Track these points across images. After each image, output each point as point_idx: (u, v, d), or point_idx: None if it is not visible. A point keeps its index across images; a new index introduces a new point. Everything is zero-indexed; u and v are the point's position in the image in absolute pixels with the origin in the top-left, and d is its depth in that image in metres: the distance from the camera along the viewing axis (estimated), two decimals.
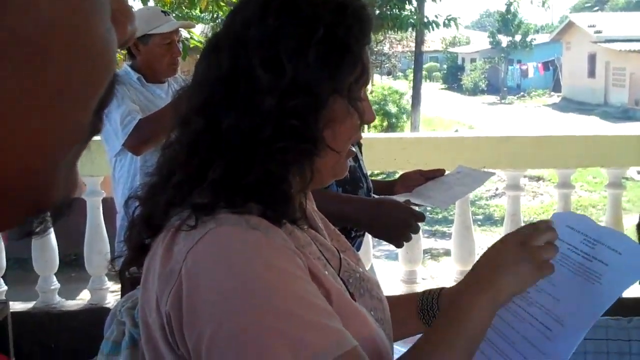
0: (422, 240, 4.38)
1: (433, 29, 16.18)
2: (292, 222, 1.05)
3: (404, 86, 27.28)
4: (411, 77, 26.33)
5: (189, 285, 0.92)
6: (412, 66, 25.74)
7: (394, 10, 15.80)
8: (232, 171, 0.98)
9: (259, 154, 0.98)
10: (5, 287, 3.99)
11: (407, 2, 15.92)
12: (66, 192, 0.41)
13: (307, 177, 1.04)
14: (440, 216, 12.22)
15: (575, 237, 1.18)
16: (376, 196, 2.03)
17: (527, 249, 1.09)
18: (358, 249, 2.05)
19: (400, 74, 42.43)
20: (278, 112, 0.98)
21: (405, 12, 15.86)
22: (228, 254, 0.93)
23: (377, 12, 16.28)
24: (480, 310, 1.05)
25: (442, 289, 1.34)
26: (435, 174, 2.09)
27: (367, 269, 3.89)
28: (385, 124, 22.47)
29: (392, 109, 22.98)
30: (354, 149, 1.15)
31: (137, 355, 1.11)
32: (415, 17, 16.10)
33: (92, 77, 0.38)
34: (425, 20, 16.34)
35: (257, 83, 0.99)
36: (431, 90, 40.68)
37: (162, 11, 3.21)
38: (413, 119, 21.23)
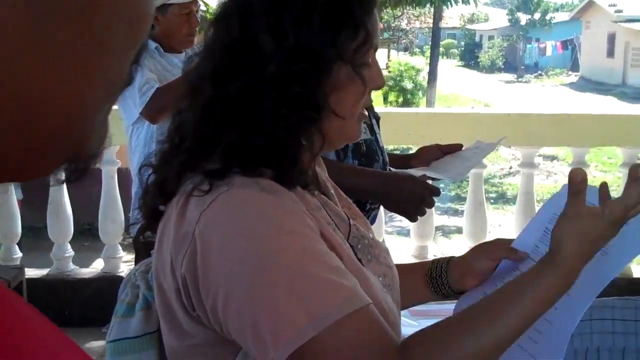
0: (435, 217, 4.39)
1: (451, 5, 16.06)
2: (303, 187, 1.06)
3: (421, 62, 27.06)
4: (428, 53, 26.18)
5: (203, 247, 0.94)
6: (430, 42, 25.58)
7: None
8: (242, 137, 1.00)
9: (265, 120, 0.99)
10: (20, 254, 4.03)
11: None
12: (99, 142, 0.42)
13: (316, 141, 1.05)
14: (453, 193, 12.20)
15: None
16: (392, 169, 2.04)
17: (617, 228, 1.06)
18: (372, 222, 2.05)
19: (417, 50, 42.17)
20: (281, 78, 0.99)
21: None
22: (239, 214, 0.95)
23: None
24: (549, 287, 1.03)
25: (451, 257, 1.36)
26: (453, 149, 2.08)
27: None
28: (400, 99, 22.38)
29: (408, 84, 22.87)
30: (365, 113, 1.16)
31: (151, 317, 1.13)
32: None
33: (132, 35, 0.40)
34: None
35: (262, 49, 1.00)
36: (448, 67, 40.42)
37: None
38: (429, 95, 21.13)
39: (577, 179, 1.07)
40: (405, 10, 27.27)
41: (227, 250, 0.93)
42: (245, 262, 0.92)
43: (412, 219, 1.89)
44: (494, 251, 1.31)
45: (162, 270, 1.01)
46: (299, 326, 0.88)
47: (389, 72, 23.32)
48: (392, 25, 35.06)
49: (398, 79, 22.70)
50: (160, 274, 1.01)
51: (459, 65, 46.11)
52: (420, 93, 23.26)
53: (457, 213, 10.49)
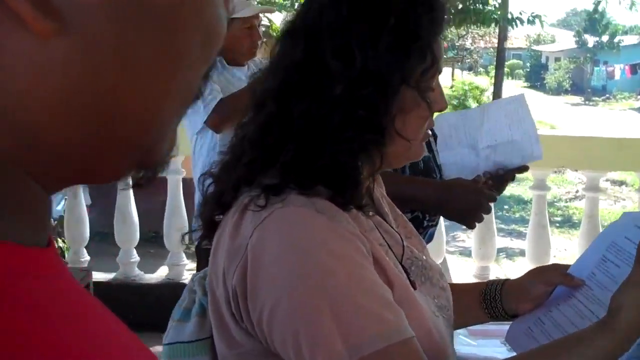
0: (498, 239, 4.35)
1: (516, 26, 15.88)
2: (359, 208, 1.06)
3: (485, 82, 26.86)
4: (493, 73, 25.92)
5: (253, 261, 0.95)
6: (494, 62, 25.33)
7: (477, 5, 15.56)
8: (302, 156, 1.01)
9: (327, 141, 1.00)
10: (87, 257, 4.15)
11: None
12: (167, 151, 0.45)
13: (376, 164, 1.06)
14: (517, 215, 12.03)
15: None
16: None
17: None
18: (430, 239, 2.06)
19: (481, 69, 41.80)
20: (347, 100, 1.00)
21: (489, 7, 15.62)
22: (291, 233, 0.96)
23: (460, 6, 16.08)
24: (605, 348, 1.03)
25: (506, 280, 1.35)
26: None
27: (439, 262, 3.85)
28: None
29: (472, 104, 22.68)
30: (429, 132, 1.17)
31: (206, 323, 1.14)
32: (498, 12, 15.83)
33: (207, 48, 0.42)
34: (509, 16, 16.04)
35: (328, 71, 1.01)
36: (513, 88, 39.83)
37: None
38: None
39: None
40: (469, 30, 27.05)
41: (276, 266, 0.94)
42: (292, 280, 0.93)
43: (470, 225, 1.89)
44: (549, 276, 1.30)
45: (215, 279, 1.02)
46: (335, 351, 0.89)
47: (453, 91, 23.18)
48: (457, 44, 34.87)
49: (462, 98, 22.56)
50: (214, 282, 1.03)
51: (524, 86, 45.45)
52: None
53: (520, 235, 10.33)
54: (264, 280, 0.95)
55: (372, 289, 0.95)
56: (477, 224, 1.88)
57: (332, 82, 1.00)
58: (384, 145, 1.04)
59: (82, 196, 4.12)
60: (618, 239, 1.20)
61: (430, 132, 1.99)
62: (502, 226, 10.65)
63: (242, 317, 0.99)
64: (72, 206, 4.10)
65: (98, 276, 4.01)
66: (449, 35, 27.82)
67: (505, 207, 12.24)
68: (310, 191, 0.99)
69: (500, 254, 9.14)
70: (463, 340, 2.15)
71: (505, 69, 27.97)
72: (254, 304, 0.96)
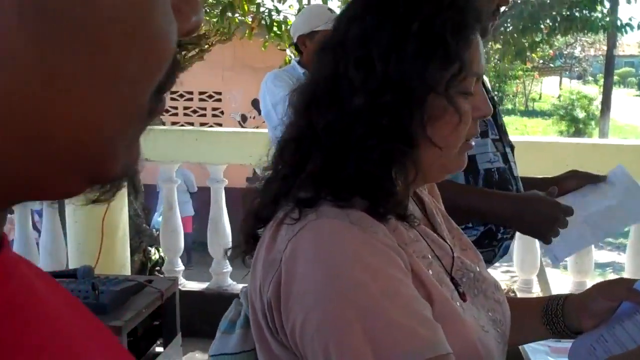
0: (605, 253, 4.20)
1: (626, 32, 15.32)
2: (400, 218, 1.05)
3: (594, 91, 25.99)
4: (602, 82, 25.08)
5: (286, 274, 0.95)
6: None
7: (584, 11, 15.11)
8: (328, 167, 1.01)
9: (351, 151, 1.00)
10: (182, 267, 4.28)
11: (598, 3, 15.17)
12: (128, 166, 0.45)
13: (410, 173, 1.03)
14: (626, 229, 11.58)
15: None
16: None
17: None
18: (505, 251, 2.02)
19: (590, 78, 40.50)
20: (369, 110, 0.99)
21: (596, 14, 15.13)
22: (323, 245, 0.95)
23: (566, 13, 15.68)
24: None
25: (568, 295, 1.30)
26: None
27: (533, 276, 3.74)
28: (572, 129, 21.58)
29: (580, 114, 22.03)
30: (472, 143, 1.13)
31: (249, 335, 1.13)
32: (607, 19, 15.32)
33: (149, 64, 0.41)
34: (619, 23, 15.49)
35: (350, 82, 1.01)
36: (625, 96, 38.41)
37: (328, 9, 3.33)
38: (601, 125, 20.20)
39: None
40: (578, 37, 26.27)
41: (308, 280, 0.94)
42: (323, 294, 0.93)
43: (546, 240, 1.85)
44: (614, 291, 1.25)
45: (254, 292, 1.03)
46: None
47: (560, 101, 22.56)
48: (565, 52, 33.92)
49: (569, 107, 21.92)
50: (253, 295, 1.03)
51: (636, 95, 43.71)
52: (593, 123, 22.31)
53: None
54: (296, 293, 0.94)
55: (406, 303, 0.94)
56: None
57: (355, 92, 1.00)
58: (410, 153, 1.02)
59: (177, 208, 4.25)
60: None
61: (504, 143, 1.99)
62: (610, 240, 10.25)
63: (277, 330, 0.99)
64: (167, 217, 4.24)
65: (192, 286, 4.13)
66: (556, 44, 27.08)
67: None
68: (346, 203, 0.99)
69: (607, 268, 8.82)
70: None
71: (616, 77, 27.01)
72: (287, 316, 0.96)
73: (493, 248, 1.95)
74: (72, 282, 2.61)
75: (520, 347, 2.37)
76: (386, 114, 0.99)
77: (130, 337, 2.65)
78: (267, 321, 1.01)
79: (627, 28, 15.13)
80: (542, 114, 25.71)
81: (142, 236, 5.80)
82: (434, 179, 1.19)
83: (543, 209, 1.80)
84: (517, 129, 21.44)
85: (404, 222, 1.06)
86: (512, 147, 2.09)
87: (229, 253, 1.19)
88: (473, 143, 1.14)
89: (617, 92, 27.22)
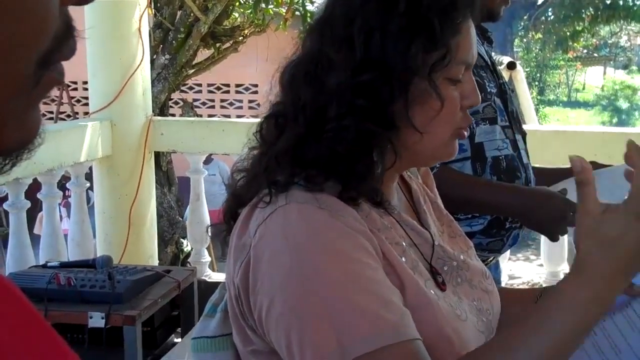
0: None
1: None
2: (375, 205, 1.04)
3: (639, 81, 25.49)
4: None
5: (254, 259, 0.96)
6: None
7: (627, 0, 14.84)
8: (302, 145, 1.00)
9: (326, 131, 0.99)
10: (208, 258, 4.31)
11: None
12: (22, 139, 0.45)
13: (390, 158, 1.02)
14: None
15: None
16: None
17: None
18: (515, 241, 1.99)
19: (635, 67, 39.72)
20: (346, 89, 0.98)
21: (639, 2, 14.84)
22: (289, 231, 0.95)
23: (609, 1, 15.40)
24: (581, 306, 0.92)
25: None
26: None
27: (560, 267, 3.68)
28: (615, 120, 21.19)
29: (623, 104, 21.62)
30: (465, 133, 1.11)
31: (229, 319, 1.14)
32: None
33: (22, 34, 0.41)
34: None
35: (331, 60, 1.00)
36: None
37: None
38: None
39: (577, 168, 0.93)
40: (623, 26, 25.76)
41: (273, 265, 0.94)
42: (288, 278, 0.93)
43: (553, 238, 1.82)
44: None
45: (228, 276, 1.04)
46: (326, 351, 0.88)
47: (604, 91, 22.18)
48: (609, 42, 33.29)
49: (612, 98, 21.53)
50: (227, 280, 1.05)
51: None
52: (636, 114, 21.89)
53: None
54: (262, 278, 0.95)
55: (370, 288, 0.93)
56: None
57: (334, 70, 0.99)
58: (387, 135, 1.01)
59: (204, 199, 4.28)
60: None
61: (514, 130, 1.96)
62: None
63: (247, 315, 1.00)
64: (194, 208, 4.27)
65: (217, 277, 4.16)
66: (601, 33, 26.60)
67: None
68: (317, 187, 0.98)
69: None
70: None
71: None
72: (254, 301, 0.97)
73: (502, 237, 1.92)
74: (90, 271, 2.65)
75: None
76: (364, 94, 0.99)
77: (147, 327, 2.68)
78: (238, 305, 1.01)
79: None
80: (585, 104, 25.30)
81: (175, 228, 5.85)
82: (422, 163, 1.17)
83: (552, 205, 1.77)
84: (559, 119, 21.13)
85: (378, 208, 1.05)
86: (523, 134, 2.06)
87: (209, 231, 1.20)
88: (466, 133, 1.12)
89: None
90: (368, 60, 0.99)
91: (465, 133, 1.12)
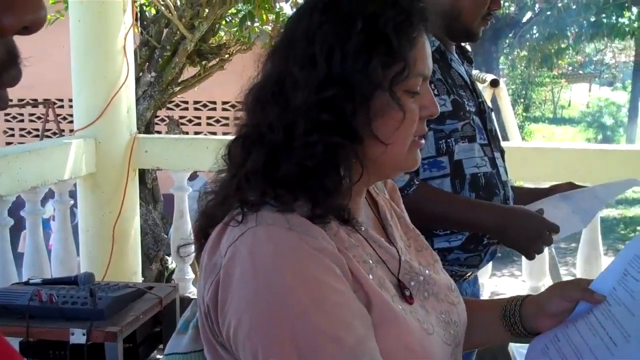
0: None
1: None
2: (343, 222, 1.07)
3: (624, 98, 25.69)
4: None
5: (224, 279, 0.98)
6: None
7: (612, 18, 14.99)
8: (270, 164, 1.02)
9: (294, 148, 1.01)
10: (192, 275, 4.30)
11: (626, 9, 15.04)
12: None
13: (356, 170, 1.05)
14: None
15: None
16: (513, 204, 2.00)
17: None
18: (492, 257, 2.02)
19: (619, 85, 40.04)
20: (311, 106, 1.01)
21: (624, 20, 15.00)
22: (259, 252, 0.97)
23: (593, 19, 15.55)
24: None
25: (527, 296, 1.30)
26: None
27: (541, 282, 3.68)
28: (600, 136, 21.35)
29: (608, 121, 21.79)
30: (422, 142, 1.14)
31: (200, 336, 1.15)
32: (634, 25, 15.17)
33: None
34: None
35: (295, 79, 1.03)
36: None
37: None
38: (629, 132, 19.97)
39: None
40: (608, 44, 25.99)
41: (241, 286, 0.96)
42: (255, 299, 0.95)
43: (529, 256, 1.84)
44: (570, 292, 1.23)
45: (199, 294, 1.06)
46: None
47: (588, 107, 22.36)
48: (594, 59, 33.58)
49: (597, 114, 21.70)
50: (199, 297, 1.06)
51: None
52: (620, 130, 22.06)
53: None
54: (231, 298, 0.97)
55: (333, 311, 0.95)
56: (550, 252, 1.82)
57: (298, 89, 1.02)
58: (353, 148, 1.03)
59: (188, 216, 4.28)
60: None
61: (492, 147, 1.98)
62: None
63: (217, 332, 1.02)
64: (178, 225, 4.27)
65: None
66: (586, 50, 26.84)
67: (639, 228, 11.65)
68: (287, 207, 1.00)
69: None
70: (518, 352, 2.08)
71: None
72: (223, 320, 0.99)
73: (479, 253, 1.95)
74: (72, 288, 2.65)
75: (509, 349, 2.36)
76: (328, 110, 1.01)
77: (129, 344, 2.68)
78: (209, 323, 1.03)
79: None
80: (571, 121, 25.47)
81: (160, 245, 5.84)
82: (387, 176, 1.20)
83: (528, 224, 1.80)
84: (545, 136, 21.27)
85: (346, 225, 1.08)
86: (502, 152, 2.09)
87: (180, 252, 1.21)
88: (423, 142, 1.15)
89: None
90: (330, 77, 1.02)
91: (424, 142, 1.16)
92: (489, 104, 5.22)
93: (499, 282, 8.24)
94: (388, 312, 1.03)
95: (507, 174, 2.05)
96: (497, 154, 2.02)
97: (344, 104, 1.02)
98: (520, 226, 1.80)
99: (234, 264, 0.98)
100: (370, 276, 1.06)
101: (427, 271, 1.20)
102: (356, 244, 1.08)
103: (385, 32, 1.03)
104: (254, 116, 1.08)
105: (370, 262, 1.09)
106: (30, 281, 2.86)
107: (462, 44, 2.18)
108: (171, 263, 5.69)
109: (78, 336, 2.46)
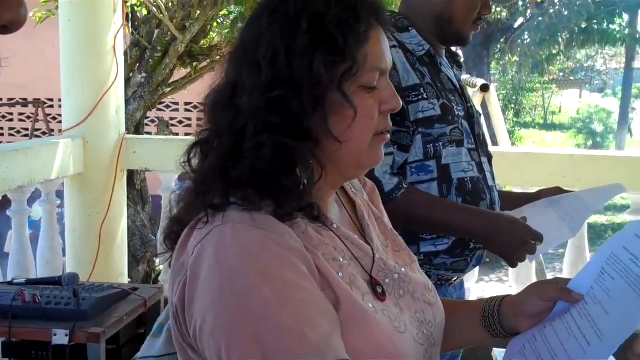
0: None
1: None
2: (312, 219, 1.07)
3: (614, 104, 25.80)
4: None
5: (191, 278, 0.99)
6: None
7: (602, 24, 15.06)
8: (225, 168, 1.03)
9: (245, 150, 1.02)
10: None
11: (617, 16, 15.12)
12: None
13: (315, 170, 1.05)
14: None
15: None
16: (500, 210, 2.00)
17: None
18: (478, 261, 2.01)
19: (609, 91, 40.21)
20: (259, 109, 1.02)
21: (614, 27, 15.07)
22: (224, 252, 0.97)
23: (584, 26, 15.62)
24: None
25: (505, 296, 1.29)
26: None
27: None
28: (589, 143, 21.45)
29: (598, 127, 21.88)
30: (387, 136, 1.14)
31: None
32: (625, 31, 15.26)
33: None
34: (638, 35, 15.41)
35: (245, 83, 1.04)
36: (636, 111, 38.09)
37: None
38: (618, 139, 20.07)
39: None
40: (599, 50, 26.11)
41: (208, 283, 0.97)
42: (220, 298, 0.95)
43: (512, 263, 1.84)
44: (547, 291, 1.22)
45: (169, 295, 1.06)
46: None
47: (578, 114, 22.46)
48: (585, 65, 33.72)
49: (587, 121, 21.79)
50: (169, 299, 1.06)
51: None
52: (610, 136, 22.16)
53: None
54: (197, 296, 0.98)
55: (299, 309, 0.95)
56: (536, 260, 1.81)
57: (247, 92, 1.04)
58: (306, 148, 1.03)
59: None
60: (617, 249, 1.13)
61: (480, 152, 1.98)
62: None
63: (186, 333, 1.02)
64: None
65: None
66: (577, 56, 26.95)
67: None
68: (254, 206, 1.01)
69: None
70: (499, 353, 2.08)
71: (637, 91, 26.80)
72: (190, 319, 0.99)
73: (466, 257, 1.94)
74: (56, 289, 2.63)
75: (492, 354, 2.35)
76: (276, 112, 1.02)
77: (112, 345, 2.66)
78: (177, 324, 1.03)
79: None
80: (561, 127, 25.56)
81: (147, 247, 5.82)
82: (351, 174, 1.19)
83: (514, 231, 1.81)
84: (535, 142, 21.33)
85: (316, 223, 1.08)
86: (489, 157, 2.09)
87: (157, 260, 1.22)
88: (388, 136, 1.15)
89: (637, 106, 26.86)
90: (277, 79, 1.02)
91: (388, 136, 1.16)
92: (479, 108, 5.24)
93: (486, 288, 8.26)
94: (357, 310, 1.03)
95: (494, 179, 2.05)
96: (484, 159, 2.02)
97: (292, 105, 1.02)
98: (506, 233, 1.81)
99: (201, 262, 0.98)
100: (340, 274, 1.06)
101: (403, 269, 1.20)
102: (326, 241, 1.08)
103: (331, 30, 1.03)
104: (210, 121, 1.09)
105: (341, 259, 1.09)
106: (14, 281, 2.84)
107: (453, 49, 2.18)
108: (158, 265, 5.66)
109: (60, 337, 2.44)
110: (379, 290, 1.11)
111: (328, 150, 1.07)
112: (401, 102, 1.14)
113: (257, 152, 1.02)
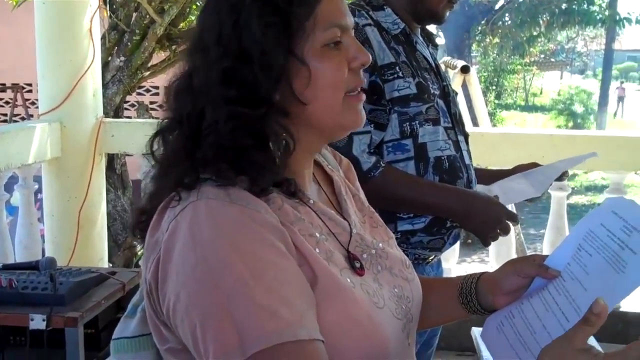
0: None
1: (624, 26, 15.31)
2: (290, 195, 1.07)
3: (595, 86, 25.92)
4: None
5: (164, 255, 0.97)
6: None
7: (583, 5, 15.10)
8: (188, 150, 1.03)
9: (205, 129, 1.02)
10: None
11: None
12: None
13: (288, 142, 1.05)
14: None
15: (617, 223, 1.08)
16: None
17: None
18: (455, 240, 2.02)
19: (590, 72, 40.41)
20: (214, 85, 1.03)
21: (594, 8, 15.12)
22: (198, 227, 0.96)
23: (565, 7, 15.65)
24: None
25: (483, 273, 1.29)
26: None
27: None
28: (570, 124, 21.55)
29: (579, 109, 22.00)
30: (362, 96, 1.13)
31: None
32: (605, 13, 15.31)
33: None
34: (617, 17, 15.46)
35: (198, 66, 1.05)
36: (626, 91, 38.32)
37: None
38: (599, 120, 20.20)
39: (596, 309, 0.93)
40: (580, 32, 26.20)
41: (181, 259, 0.96)
42: (193, 274, 0.94)
43: (485, 242, 1.86)
44: (524, 268, 1.21)
45: (142, 273, 1.05)
46: (228, 346, 0.90)
47: (559, 95, 22.55)
48: (566, 47, 33.84)
49: (568, 102, 21.89)
50: (142, 276, 1.05)
51: (638, 90, 43.56)
52: (591, 117, 22.29)
53: None
54: (170, 273, 0.96)
55: (273, 286, 0.94)
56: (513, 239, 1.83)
57: (199, 73, 1.04)
58: (275, 119, 1.03)
59: None
60: (594, 226, 1.13)
61: (457, 131, 1.98)
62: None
63: (159, 311, 1.01)
64: None
65: None
66: (558, 38, 27.02)
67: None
68: (229, 181, 1.00)
69: None
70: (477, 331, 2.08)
71: (617, 72, 26.96)
72: (163, 297, 0.98)
73: (442, 236, 1.95)
74: (33, 273, 2.60)
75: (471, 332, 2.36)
76: (231, 84, 1.02)
77: (91, 329, 2.65)
78: (151, 303, 1.02)
79: (625, 22, 15.12)
80: (542, 108, 25.67)
81: (129, 231, 5.78)
82: (332, 135, 1.17)
83: (489, 211, 1.83)
84: (517, 123, 21.42)
85: (292, 198, 1.07)
86: (466, 136, 2.08)
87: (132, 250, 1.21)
88: (363, 96, 1.14)
89: (616, 86, 26.99)
90: (225, 53, 1.03)
91: (363, 96, 1.15)
92: (460, 90, 5.24)
93: (468, 268, 8.30)
94: (334, 284, 1.03)
95: (470, 157, 2.05)
96: (460, 138, 2.02)
97: (245, 75, 1.02)
98: (482, 212, 1.83)
99: (175, 239, 0.97)
100: (317, 249, 1.05)
101: (380, 244, 1.20)
102: (303, 217, 1.08)
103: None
104: (171, 109, 1.08)
105: (318, 235, 1.08)
106: None
107: (428, 27, 2.18)
108: (140, 249, 5.64)
109: (38, 322, 2.42)
110: (357, 265, 1.11)
111: (299, 115, 1.06)
112: (370, 56, 1.13)
113: (217, 127, 1.01)
